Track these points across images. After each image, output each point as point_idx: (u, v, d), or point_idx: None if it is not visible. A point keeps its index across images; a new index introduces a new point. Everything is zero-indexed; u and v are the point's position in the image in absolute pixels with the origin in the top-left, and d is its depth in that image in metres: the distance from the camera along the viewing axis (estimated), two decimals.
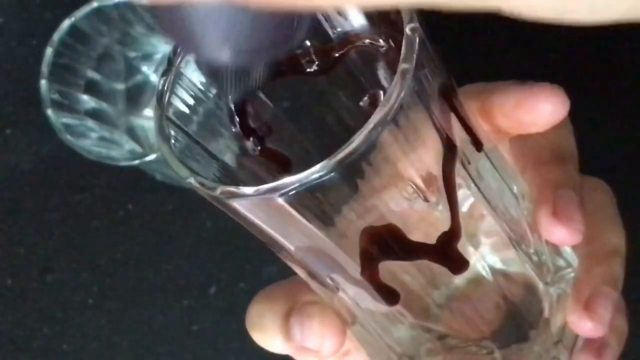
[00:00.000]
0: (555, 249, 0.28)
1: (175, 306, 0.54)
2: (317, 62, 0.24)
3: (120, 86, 0.54)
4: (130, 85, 0.55)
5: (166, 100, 0.23)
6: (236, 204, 0.21)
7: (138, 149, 0.53)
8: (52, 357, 0.54)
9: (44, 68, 0.49)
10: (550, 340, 0.27)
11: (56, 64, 0.50)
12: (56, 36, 0.50)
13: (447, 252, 0.23)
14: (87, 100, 0.52)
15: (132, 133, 0.54)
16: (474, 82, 0.28)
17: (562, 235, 0.25)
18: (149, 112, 0.56)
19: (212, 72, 0.22)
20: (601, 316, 0.26)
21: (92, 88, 0.52)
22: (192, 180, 0.21)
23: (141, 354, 0.54)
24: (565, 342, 0.28)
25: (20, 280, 0.55)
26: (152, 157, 0.47)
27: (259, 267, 0.53)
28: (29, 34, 0.58)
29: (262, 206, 0.20)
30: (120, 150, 0.52)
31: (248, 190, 0.20)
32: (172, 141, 0.22)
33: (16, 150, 0.57)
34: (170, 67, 0.23)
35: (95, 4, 0.50)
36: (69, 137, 0.49)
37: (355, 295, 0.24)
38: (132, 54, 0.54)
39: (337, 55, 0.24)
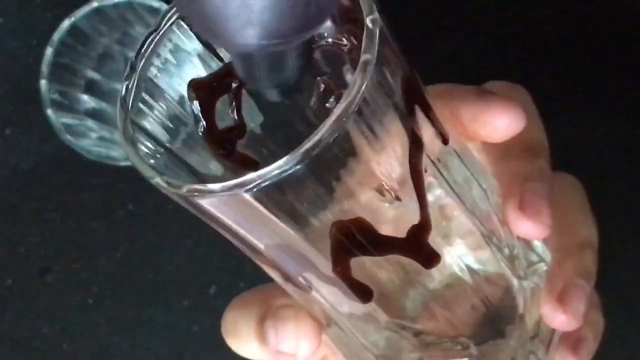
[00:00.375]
0: (527, 244, 0.28)
1: (175, 306, 0.54)
2: None
3: (120, 86, 0.54)
4: None
5: (130, 103, 0.23)
6: (204, 203, 0.20)
7: None
8: (52, 357, 0.54)
9: (44, 68, 0.49)
10: (526, 335, 0.27)
11: (56, 64, 0.50)
12: (56, 36, 0.50)
13: (417, 245, 0.23)
14: (87, 100, 0.52)
15: None
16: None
17: (529, 229, 0.25)
18: None
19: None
20: (575, 309, 0.26)
21: (92, 88, 0.52)
22: (158, 179, 0.21)
23: (141, 354, 0.54)
24: (542, 337, 0.28)
25: (20, 280, 0.55)
26: None
27: (259, 267, 0.53)
28: (29, 34, 0.58)
29: (231, 204, 0.20)
30: (120, 150, 0.52)
31: (214, 186, 0.20)
32: (141, 147, 0.22)
33: (16, 150, 0.57)
34: (132, 71, 0.23)
35: (95, 4, 0.50)
36: (69, 137, 0.49)
37: (329, 294, 0.24)
38: (132, 54, 0.54)
39: None
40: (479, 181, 0.26)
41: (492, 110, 0.25)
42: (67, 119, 0.50)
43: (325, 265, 0.22)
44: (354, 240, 0.22)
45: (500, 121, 0.25)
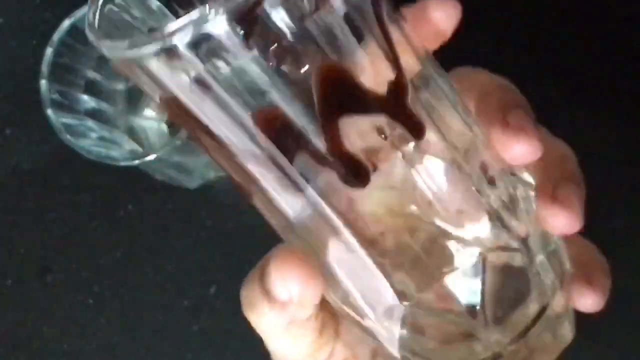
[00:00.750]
0: (511, 171, 0.27)
1: (175, 306, 0.54)
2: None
3: (120, 86, 0.54)
4: (130, 85, 0.55)
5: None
6: (177, 83, 0.20)
7: (138, 149, 0.53)
8: (52, 357, 0.54)
9: (44, 68, 0.49)
10: (533, 252, 0.26)
11: (56, 64, 0.50)
12: (56, 36, 0.50)
13: (398, 103, 0.23)
14: (87, 100, 0.52)
15: (132, 133, 0.55)
16: None
17: (519, 149, 0.24)
18: (149, 112, 0.56)
19: None
20: (571, 204, 0.25)
21: (92, 88, 0.52)
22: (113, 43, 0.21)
23: (141, 354, 0.54)
24: (550, 249, 0.27)
25: (20, 280, 0.55)
26: (152, 157, 0.47)
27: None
28: (29, 34, 0.58)
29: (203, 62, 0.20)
30: (120, 150, 0.52)
31: (181, 21, 0.19)
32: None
33: (16, 150, 0.57)
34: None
35: None
36: (69, 137, 0.49)
37: (325, 187, 0.23)
38: None
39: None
40: (459, 106, 0.26)
41: (426, 10, 0.26)
42: (67, 119, 0.50)
43: (317, 136, 0.22)
44: (337, 91, 0.22)
45: (437, 15, 0.26)
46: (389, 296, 0.25)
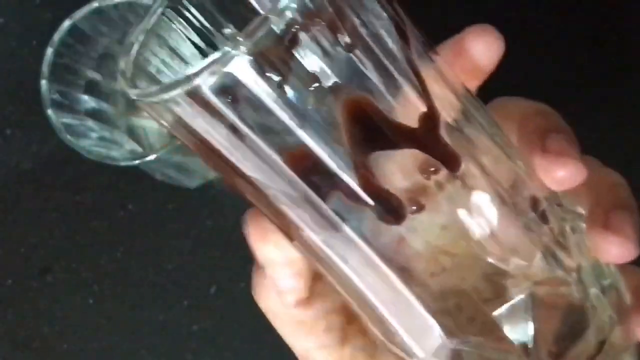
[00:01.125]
0: (558, 202, 0.26)
1: (175, 306, 0.54)
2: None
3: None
4: None
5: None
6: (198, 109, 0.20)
7: (138, 149, 0.53)
8: (52, 357, 0.54)
9: (44, 68, 0.49)
10: (586, 285, 0.25)
11: (56, 64, 0.50)
12: (56, 36, 0.50)
13: (430, 136, 0.22)
14: (87, 100, 0.52)
15: (132, 133, 0.54)
16: None
17: (562, 172, 0.23)
18: None
19: None
20: (624, 231, 0.24)
21: (92, 88, 0.52)
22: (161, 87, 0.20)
23: (141, 354, 0.54)
24: (605, 282, 0.26)
25: (20, 280, 0.55)
26: (152, 157, 0.47)
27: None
28: (29, 34, 0.58)
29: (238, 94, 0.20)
30: (120, 150, 0.52)
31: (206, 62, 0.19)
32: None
33: (16, 150, 0.57)
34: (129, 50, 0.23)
35: (95, 4, 0.50)
36: (69, 137, 0.49)
37: (362, 226, 0.23)
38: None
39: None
40: (501, 139, 0.25)
41: (467, 41, 0.25)
42: (67, 119, 0.50)
43: (349, 175, 0.21)
44: (365, 123, 0.21)
45: (477, 47, 0.25)
46: (437, 335, 0.25)
